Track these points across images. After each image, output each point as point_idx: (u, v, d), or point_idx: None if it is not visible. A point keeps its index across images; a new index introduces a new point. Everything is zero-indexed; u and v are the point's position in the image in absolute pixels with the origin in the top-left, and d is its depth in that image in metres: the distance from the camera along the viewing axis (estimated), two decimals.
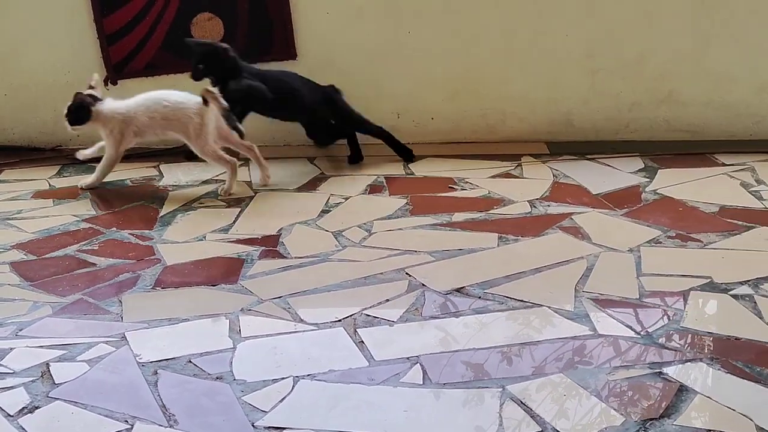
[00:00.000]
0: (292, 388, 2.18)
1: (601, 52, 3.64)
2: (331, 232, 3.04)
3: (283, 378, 2.22)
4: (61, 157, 3.71)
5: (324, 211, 3.22)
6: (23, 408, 2.13)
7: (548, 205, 3.17)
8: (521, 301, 2.51)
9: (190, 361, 2.31)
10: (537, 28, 3.63)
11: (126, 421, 2.06)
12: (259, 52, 3.69)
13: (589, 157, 3.63)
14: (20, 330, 2.47)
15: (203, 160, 3.48)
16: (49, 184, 3.47)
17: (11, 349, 2.38)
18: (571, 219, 3.04)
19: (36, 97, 3.76)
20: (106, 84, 3.72)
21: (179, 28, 3.68)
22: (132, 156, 3.70)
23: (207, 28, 3.69)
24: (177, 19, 3.67)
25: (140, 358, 2.33)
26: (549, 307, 2.47)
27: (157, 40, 3.69)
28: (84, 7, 3.66)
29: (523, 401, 2.07)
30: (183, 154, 3.56)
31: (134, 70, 3.72)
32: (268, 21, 3.67)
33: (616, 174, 3.46)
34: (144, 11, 3.66)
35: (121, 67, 3.70)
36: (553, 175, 3.45)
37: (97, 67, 3.70)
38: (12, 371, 2.27)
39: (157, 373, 2.25)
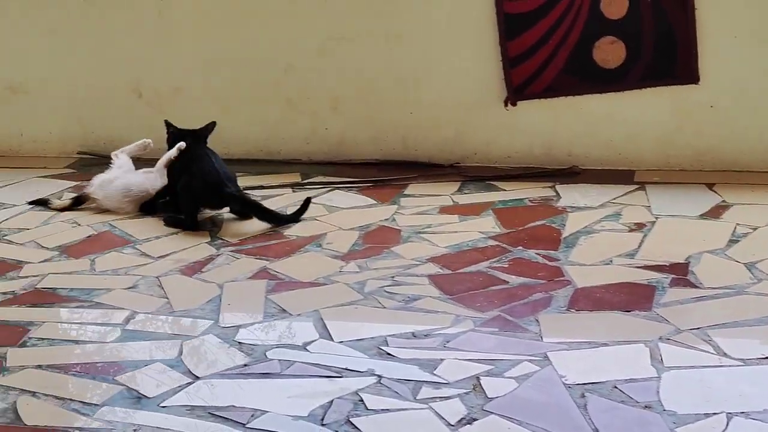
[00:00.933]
0: (727, 425, 2.16)
1: None
2: (743, 264, 2.98)
3: (715, 413, 2.20)
4: (459, 174, 3.87)
5: (732, 241, 3.16)
6: (462, 419, 2.25)
7: None
8: None
9: (616, 387, 2.35)
10: None
11: None
12: (659, 75, 3.69)
13: None
14: (447, 342, 2.61)
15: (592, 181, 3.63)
16: (453, 200, 3.63)
17: (441, 360, 2.51)
18: None
19: (439, 116, 3.95)
20: (506, 105, 3.85)
21: (581, 51, 3.75)
22: (525, 176, 3.82)
23: (609, 52, 3.73)
24: (580, 43, 3.74)
25: (566, 380, 2.39)
26: None
27: (559, 63, 3.77)
28: (491, 31, 3.81)
29: None
30: None
31: (534, 92, 3.82)
32: (672, 43, 3.65)
33: None
34: (547, 35, 3.75)
35: (521, 89, 3.81)
36: None
37: (498, 89, 3.85)
38: (446, 382, 2.40)
39: (584, 396, 2.30)
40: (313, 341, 2.64)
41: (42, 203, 3.66)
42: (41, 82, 4.23)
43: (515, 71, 3.80)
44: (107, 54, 4.16)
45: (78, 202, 3.63)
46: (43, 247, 3.32)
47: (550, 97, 3.83)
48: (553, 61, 3.78)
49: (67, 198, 3.70)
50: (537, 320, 2.71)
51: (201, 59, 4.08)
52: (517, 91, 3.82)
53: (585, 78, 3.77)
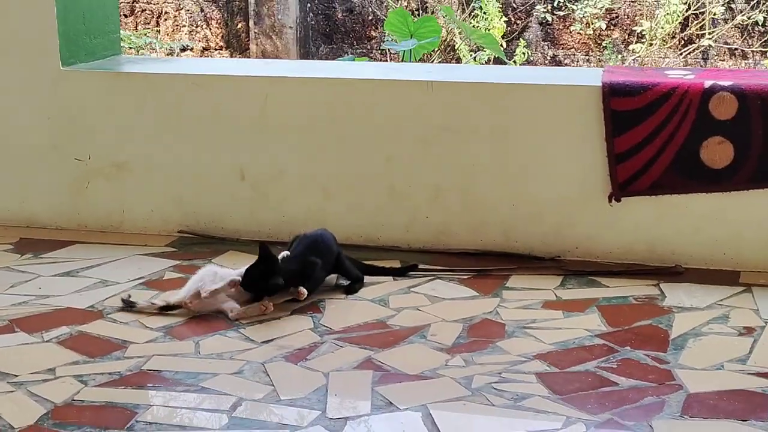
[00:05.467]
0: None
1: None
2: None
3: None
4: (560, 267, 3.83)
5: None
6: None
7: None
8: None
9: None
10: None
11: None
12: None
13: None
14: None
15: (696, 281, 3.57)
16: (556, 295, 3.59)
17: None
18: None
19: (541, 209, 3.93)
20: (609, 201, 3.83)
21: (688, 150, 3.72)
22: (628, 273, 3.77)
23: (717, 152, 3.69)
24: (687, 142, 3.71)
25: None
26: None
27: (665, 161, 3.74)
28: (596, 127, 3.80)
29: None
30: None
31: (639, 188, 3.78)
32: None
33: None
34: (655, 132, 3.73)
35: (626, 185, 3.79)
36: None
37: (602, 185, 3.83)
38: None
39: None
40: None
41: (129, 305, 3.51)
42: (145, 160, 4.30)
43: (621, 167, 3.78)
44: (212, 135, 4.23)
45: (169, 308, 3.51)
46: (147, 327, 3.34)
47: (655, 195, 3.79)
48: (659, 159, 3.75)
49: (155, 299, 3.56)
50: (651, 426, 2.66)
51: (305, 144, 4.12)
52: (621, 187, 3.80)
53: (691, 177, 3.73)
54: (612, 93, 3.78)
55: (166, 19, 9.95)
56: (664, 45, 9.17)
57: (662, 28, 9.14)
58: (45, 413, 2.76)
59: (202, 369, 3.03)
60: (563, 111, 3.90)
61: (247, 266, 3.49)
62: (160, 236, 4.25)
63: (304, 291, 3.52)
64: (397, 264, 3.88)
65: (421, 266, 3.86)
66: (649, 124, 3.76)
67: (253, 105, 4.18)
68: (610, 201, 3.84)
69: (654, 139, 3.76)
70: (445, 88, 4.02)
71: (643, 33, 9.22)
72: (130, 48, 8.92)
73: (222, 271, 3.55)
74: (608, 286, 3.66)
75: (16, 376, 2.98)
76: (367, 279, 3.72)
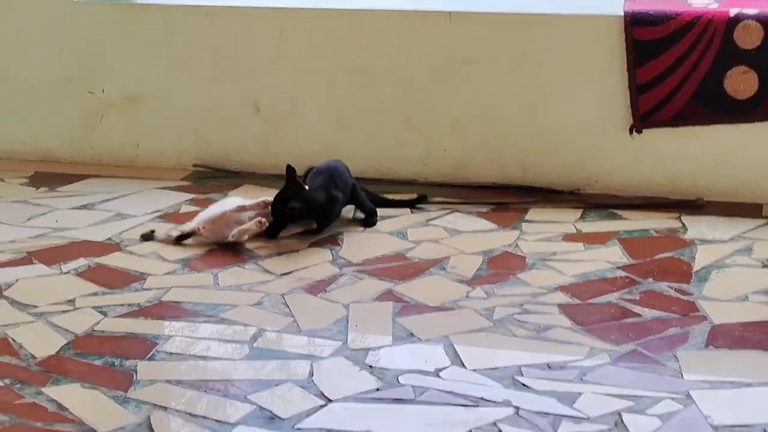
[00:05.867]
0: None
1: None
2: None
3: None
4: (579, 201, 3.80)
5: None
6: None
7: None
8: None
9: (765, 430, 2.27)
10: None
11: None
12: None
13: None
14: (584, 375, 2.54)
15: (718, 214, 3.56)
16: (576, 228, 3.55)
17: (580, 393, 2.45)
18: None
19: (560, 142, 3.88)
20: (630, 133, 3.77)
21: (712, 80, 3.66)
22: (649, 206, 3.73)
23: (741, 82, 3.63)
24: (711, 71, 3.65)
25: (711, 420, 2.32)
26: None
27: (688, 90, 3.68)
28: (617, 58, 3.74)
29: None
30: None
31: (660, 120, 3.73)
32: None
33: None
34: (678, 62, 3.67)
35: (647, 117, 3.74)
36: None
37: (623, 117, 3.78)
38: (587, 417, 2.34)
39: None
40: (445, 368, 2.60)
41: (147, 238, 3.50)
42: (159, 93, 4.25)
43: (642, 98, 3.72)
44: (226, 68, 4.18)
45: (183, 237, 3.49)
46: (165, 259, 3.32)
47: (676, 126, 3.74)
48: (682, 90, 3.69)
49: (173, 231, 3.53)
50: (675, 356, 2.64)
51: (320, 75, 4.07)
52: (643, 119, 3.74)
53: (714, 108, 3.67)
54: (634, 22, 3.71)
55: None
56: None
57: None
58: (66, 343, 2.75)
59: (221, 300, 3.01)
60: (584, 41, 3.82)
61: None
62: (174, 170, 4.22)
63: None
64: (414, 196, 3.86)
65: (438, 199, 3.84)
66: (671, 54, 3.69)
67: (268, 37, 4.11)
68: (630, 133, 3.79)
69: (677, 69, 3.69)
70: (463, 19, 3.94)
71: None
72: None
73: (248, 202, 3.55)
74: (629, 219, 3.62)
75: (36, 307, 2.97)
76: (384, 212, 3.69)
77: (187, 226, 3.50)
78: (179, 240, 3.47)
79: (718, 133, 3.75)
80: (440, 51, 3.95)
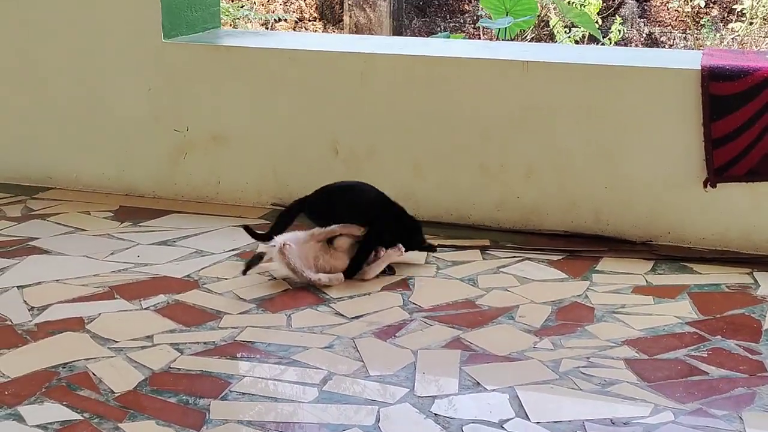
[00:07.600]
0: None
1: None
2: None
3: None
4: (651, 252, 3.81)
5: None
6: None
7: None
8: None
9: None
10: None
11: None
12: None
13: None
14: None
15: None
16: (646, 280, 3.57)
17: None
18: None
19: (634, 194, 3.90)
20: (705, 186, 3.78)
21: None
22: (721, 260, 3.73)
23: None
24: None
25: None
26: None
27: (764, 147, 3.68)
28: (694, 111, 3.76)
29: None
30: None
31: (735, 175, 3.73)
32: None
33: None
34: (754, 118, 3.67)
35: (722, 171, 3.74)
36: None
37: (697, 170, 3.79)
38: None
39: None
40: (509, 419, 2.64)
41: (253, 263, 3.63)
42: (241, 132, 4.38)
43: (718, 152, 3.73)
44: (307, 110, 4.28)
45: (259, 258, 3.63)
46: (241, 298, 3.42)
47: (751, 181, 3.75)
48: (757, 145, 3.69)
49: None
50: (741, 417, 2.64)
51: (398, 120, 4.15)
52: (717, 173, 3.75)
53: None
54: (711, 77, 3.73)
55: None
56: (765, 24, 8.97)
57: (763, 6, 8.94)
58: (143, 379, 2.86)
59: (293, 342, 3.10)
60: (660, 94, 3.85)
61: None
62: (254, 208, 4.33)
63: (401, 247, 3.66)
64: (486, 243, 3.91)
65: (511, 245, 3.89)
66: (748, 110, 3.70)
67: (349, 81, 4.22)
68: (705, 186, 3.80)
69: (753, 124, 3.70)
70: (540, 68, 4.00)
71: (743, 11, 9.03)
72: (226, 18, 9.02)
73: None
74: (700, 273, 3.63)
75: (116, 341, 3.09)
76: (454, 258, 3.76)
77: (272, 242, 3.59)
78: (257, 259, 3.61)
79: None
80: (516, 99, 4.02)
